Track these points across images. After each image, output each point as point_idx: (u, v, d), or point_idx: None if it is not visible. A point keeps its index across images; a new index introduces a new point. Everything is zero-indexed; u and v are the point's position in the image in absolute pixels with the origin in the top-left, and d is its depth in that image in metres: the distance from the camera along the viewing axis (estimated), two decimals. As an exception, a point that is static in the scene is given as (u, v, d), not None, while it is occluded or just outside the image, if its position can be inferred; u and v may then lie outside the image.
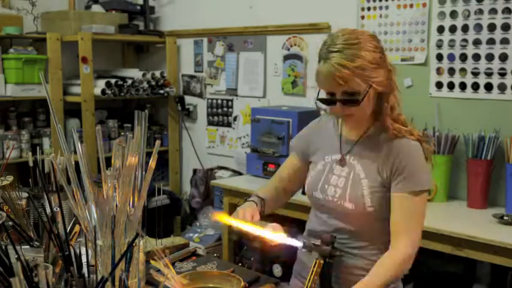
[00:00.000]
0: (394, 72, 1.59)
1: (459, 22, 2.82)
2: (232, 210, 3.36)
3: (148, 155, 1.20)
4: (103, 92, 3.86)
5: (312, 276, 1.42)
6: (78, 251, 1.13)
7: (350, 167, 1.60)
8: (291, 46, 3.61)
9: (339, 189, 1.59)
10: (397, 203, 1.53)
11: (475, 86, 2.79)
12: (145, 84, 4.12)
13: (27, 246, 1.33)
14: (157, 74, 4.23)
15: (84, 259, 1.10)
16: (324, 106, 1.82)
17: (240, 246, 3.40)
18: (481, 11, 2.74)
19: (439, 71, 2.92)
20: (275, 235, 1.49)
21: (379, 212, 1.55)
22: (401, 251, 1.53)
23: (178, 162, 4.47)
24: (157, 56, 4.50)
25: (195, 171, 4.19)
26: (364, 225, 1.58)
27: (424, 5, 2.95)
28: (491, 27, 2.71)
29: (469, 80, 2.81)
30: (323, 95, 1.57)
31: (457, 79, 2.86)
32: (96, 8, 4.20)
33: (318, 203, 1.67)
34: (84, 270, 1.08)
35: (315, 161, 1.70)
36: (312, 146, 1.73)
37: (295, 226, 2.60)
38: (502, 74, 2.70)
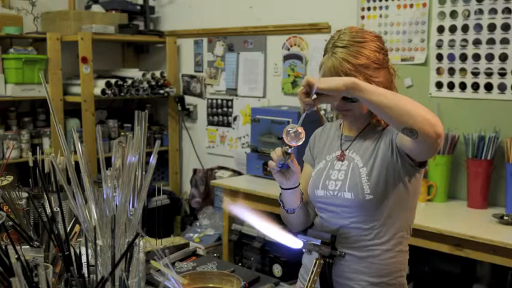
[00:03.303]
0: (394, 76, 1.63)
1: (459, 22, 2.82)
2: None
3: (148, 155, 1.20)
4: (103, 92, 3.87)
5: (312, 276, 1.42)
6: (78, 251, 1.13)
7: (349, 160, 1.63)
8: (291, 46, 3.61)
9: (339, 181, 1.61)
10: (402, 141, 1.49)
11: (475, 86, 2.79)
12: (145, 84, 4.13)
13: (27, 246, 1.33)
14: (157, 74, 4.23)
15: (84, 259, 1.10)
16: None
17: (240, 246, 3.40)
18: (481, 11, 2.74)
19: (439, 71, 2.92)
20: (276, 234, 1.49)
21: (379, 200, 1.54)
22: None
23: (178, 162, 4.47)
24: (157, 56, 4.50)
25: (195, 171, 4.19)
26: (365, 217, 1.56)
27: (424, 5, 2.95)
28: (491, 27, 2.71)
29: (469, 80, 2.81)
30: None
31: (457, 79, 2.86)
32: (96, 8, 4.21)
33: (320, 201, 1.67)
34: (84, 270, 1.07)
35: (317, 162, 1.73)
36: (315, 151, 1.77)
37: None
38: (502, 74, 2.70)
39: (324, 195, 1.64)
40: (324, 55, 1.59)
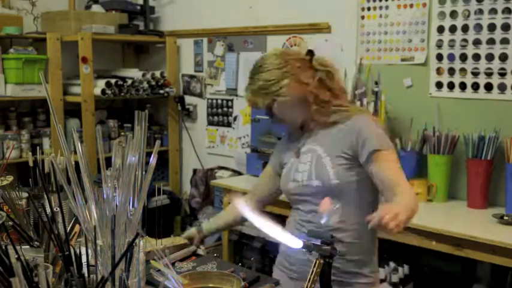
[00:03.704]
0: (319, 73, 1.77)
1: (459, 22, 2.82)
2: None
3: (148, 155, 1.20)
4: (103, 92, 3.86)
5: (312, 276, 1.42)
6: (78, 251, 1.13)
7: (312, 152, 1.78)
8: (291, 46, 3.61)
9: (306, 172, 1.77)
10: (372, 165, 1.66)
11: (475, 86, 2.79)
12: (145, 84, 4.12)
13: (27, 246, 1.33)
14: (157, 74, 4.23)
15: (84, 259, 1.10)
16: None
17: (240, 246, 3.40)
18: (481, 11, 2.74)
19: (439, 71, 2.91)
20: (275, 233, 1.49)
21: (344, 185, 1.69)
22: (403, 187, 1.63)
23: (178, 162, 4.47)
24: (157, 56, 4.50)
25: (195, 171, 4.19)
26: (335, 201, 1.63)
27: (424, 5, 2.95)
28: (491, 27, 2.71)
29: (469, 80, 2.81)
30: None
31: (457, 79, 2.85)
32: (96, 8, 4.20)
33: (292, 193, 1.83)
34: (84, 270, 1.08)
35: (286, 161, 1.89)
36: (281, 157, 1.93)
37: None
38: (502, 74, 2.70)
39: (295, 186, 1.80)
40: None
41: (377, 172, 1.66)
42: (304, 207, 1.79)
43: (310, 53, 1.80)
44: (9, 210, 1.57)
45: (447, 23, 2.87)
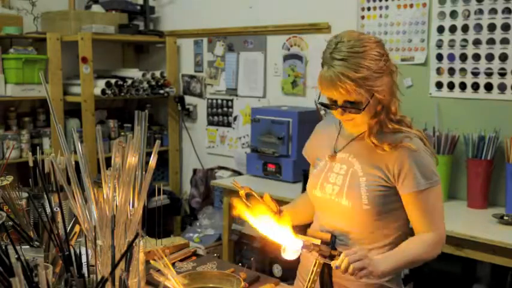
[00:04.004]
0: (396, 74, 1.57)
1: (459, 22, 2.82)
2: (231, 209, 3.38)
3: (148, 155, 1.20)
4: (103, 92, 3.86)
5: (312, 276, 1.42)
6: (78, 251, 1.13)
7: (348, 165, 1.60)
8: (291, 46, 3.61)
9: (337, 186, 1.59)
10: (409, 202, 1.55)
11: (475, 86, 2.79)
12: (145, 84, 4.12)
13: (27, 246, 1.33)
14: (157, 74, 4.23)
15: (84, 259, 1.10)
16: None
17: (240, 246, 3.40)
18: (481, 11, 2.74)
19: (439, 71, 2.92)
20: (276, 235, 1.49)
21: (375, 211, 1.54)
22: (430, 234, 1.57)
23: (178, 162, 4.47)
24: (157, 56, 4.50)
25: (195, 171, 4.19)
26: (361, 225, 1.57)
27: (424, 5, 2.95)
28: (491, 27, 2.71)
29: (469, 80, 2.81)
30: (324, 97, 1.56)
31: (457, 79, 2.85)
32: (96, 8, 4.21)
33: (317, 201, 1.68)
34: (84, 270, 1.08)
35: (319, 159, 1.71)
36: (318, 148, 1.73)
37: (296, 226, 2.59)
38: (502, 74, 2.70)
39: (321, 196, 1.64)
40: (322, 64, 1.52)
41: (409, 212, 1.57)
42: (326, 217, 1.65)
43: None
44: (9, 210, 1.57)
45: (447, 23, 2.87)
